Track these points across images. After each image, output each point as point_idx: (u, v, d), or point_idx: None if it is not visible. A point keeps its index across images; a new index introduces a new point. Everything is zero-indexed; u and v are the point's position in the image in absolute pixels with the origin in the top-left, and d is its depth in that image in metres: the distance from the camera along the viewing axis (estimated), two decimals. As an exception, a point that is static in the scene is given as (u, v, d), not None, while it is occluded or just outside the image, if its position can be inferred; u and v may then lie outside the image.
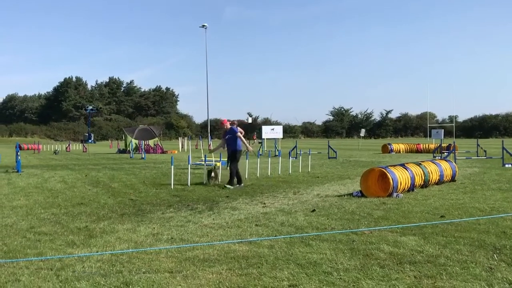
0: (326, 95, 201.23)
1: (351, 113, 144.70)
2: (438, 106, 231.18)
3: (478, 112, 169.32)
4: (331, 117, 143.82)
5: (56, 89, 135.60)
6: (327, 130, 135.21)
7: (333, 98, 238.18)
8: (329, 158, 30.44)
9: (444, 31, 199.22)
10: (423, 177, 13.80)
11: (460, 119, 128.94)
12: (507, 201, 11.54)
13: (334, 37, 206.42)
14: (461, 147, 41.32)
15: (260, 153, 24.56)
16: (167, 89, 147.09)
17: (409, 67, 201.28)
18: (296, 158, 26.40)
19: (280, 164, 20.00)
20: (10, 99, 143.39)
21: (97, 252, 7.03)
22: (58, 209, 10.91)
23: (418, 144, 44.88)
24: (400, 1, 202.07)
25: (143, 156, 34.15)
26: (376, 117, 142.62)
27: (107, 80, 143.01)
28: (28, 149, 53.39)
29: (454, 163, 17.11)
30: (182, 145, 51.07)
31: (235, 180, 14.87)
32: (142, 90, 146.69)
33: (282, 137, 40.91)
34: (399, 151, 41.08)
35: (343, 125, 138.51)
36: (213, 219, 9.56)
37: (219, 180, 15.58)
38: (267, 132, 38.77)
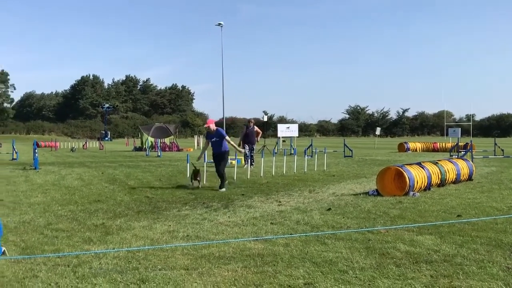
0: (342, 93, 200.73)
1: (367, 112, 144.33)
2: (455, 105, 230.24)
3: (496, 111, 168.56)
4: (347, 116, 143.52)
5: (73, 87, 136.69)
6: (343, 129, 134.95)
7: (349, 96, 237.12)
8: (344, 156, 30.34)
9: (460, 31, 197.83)
10: (439, 176, 13.71)
11: (478, 117, 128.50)
12: (525, 200, 11.45)
13: (348, 35, 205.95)
14: (478, 146, 40.97)
15: (275, 151, 24.53)
16: (183, 87, 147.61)
17: (425, 65, 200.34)
18: (311, 156, 26.31)
19: (296, 163, 19.96)
20: (28, 97, 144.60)
21: (114, 249, 7.08)
22: (75, 206, 10.99)
23: (435, 142, 44.59)
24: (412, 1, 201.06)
25: (159, 154, 34.27)
26: (393, 115, 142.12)
27: (124, 78, 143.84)
28: (45, 146, 53.74)
29: (471, 162, 16.97)
30: (198, 143, 51.16)
31: (226, 182, 14.07)
32: (158, 88, 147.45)
33: (297, 135, 40.76)
34: (416, 150, 40.83)
35: (359, 123, 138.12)
36: (229, 217, 9.58)
37: (200, 184, 14.43)
38: (283, 130, 38.68)
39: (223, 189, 13.47)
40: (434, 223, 8.58)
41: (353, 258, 6.47)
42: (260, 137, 24.75)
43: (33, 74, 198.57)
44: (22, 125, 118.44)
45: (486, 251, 6.76)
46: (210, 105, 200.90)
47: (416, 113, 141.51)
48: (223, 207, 10.66)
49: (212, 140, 14.11)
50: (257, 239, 7.50)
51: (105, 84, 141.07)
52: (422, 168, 13.20)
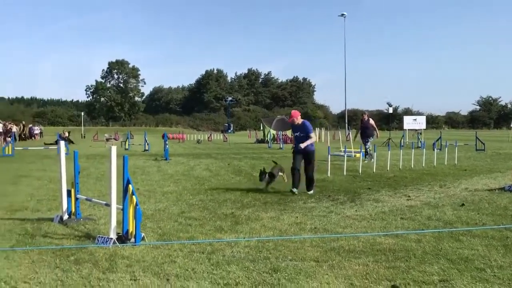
0: (471, 83, 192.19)
1: (499, 103, 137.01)
2: None
3: None
4: (478, 107, 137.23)
5: (198, 81, 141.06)
6: (473, 121, 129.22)
7: (480, 86, 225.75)
8: (476, 150, 28.96)
9: None
10: None
11: None
12: None
13: (480, 20, 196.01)
14: None
15: (402, 144, 23.93)
16: (304, 79, 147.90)
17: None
18: (440, 149, 25.46)
19: (424, 156, 19.36)
20: (156, 91, 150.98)
21: (244, 238, 7.25)
22: (205, 195, 11.37)
23: None
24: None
25: (281, 146, 34.64)
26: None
27: (246, 72, 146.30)
28: (173, 138, 55.85)
29: None
30: (319, 136, 51.14)
31: (297, 182, 11.83)
32: (279, 81, 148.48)
33: (425, 127, 39.49)
34: (554, 144, 38.24)
35: (490, 115, 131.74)
36: (356, 210, 9.49)
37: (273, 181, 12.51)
38: (409, 122, 37.66)
39: (311, 191, 11.70)
40: None
41: (491, 256, 6.20)
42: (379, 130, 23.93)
43: (161, 69, 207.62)
44: (152, 118, 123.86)
45: None
46: (331, 97, 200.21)
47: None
48: (349, 201, 10.58)
49: (296, 134, 12.07)
50: (387, 234, 7.39)
51: (228, 78, 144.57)
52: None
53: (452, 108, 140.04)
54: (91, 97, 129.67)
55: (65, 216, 8.38)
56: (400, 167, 17.62)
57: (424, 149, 20.38)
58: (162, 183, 13.55)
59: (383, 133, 55.57)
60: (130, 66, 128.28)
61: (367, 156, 20.66)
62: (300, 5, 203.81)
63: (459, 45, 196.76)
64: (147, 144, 30.93)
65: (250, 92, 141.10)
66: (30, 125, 61.38)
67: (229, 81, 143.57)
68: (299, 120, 12.03)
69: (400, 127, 48.05)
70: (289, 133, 43.77)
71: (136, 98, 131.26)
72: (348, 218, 8.71)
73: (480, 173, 16.16)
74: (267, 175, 11.73)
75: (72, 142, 42.69)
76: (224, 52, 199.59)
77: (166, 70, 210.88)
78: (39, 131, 59.41)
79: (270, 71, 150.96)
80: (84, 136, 63.51)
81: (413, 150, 20.06)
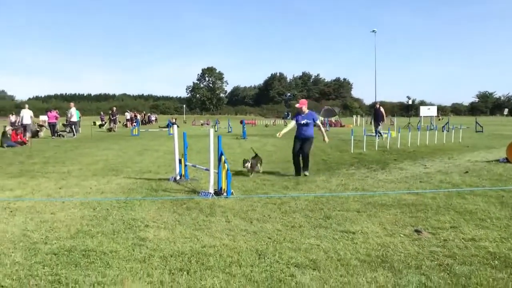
0: (471, 81, 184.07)
1: (494, 96, 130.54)
2: None
3: None
4: (477, 99, 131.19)
5: (265, 82, 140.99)
6: (473, 110, 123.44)
7: (478, 83, 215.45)
8: (476, 131, 27.70)
9: None
10: None
11: None
12: None
13: (475, 36, 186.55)
14: None
15: (419, 127, 23.23)
16: (344, 79, 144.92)
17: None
18: (448, 131, 24.53)
19: (436, 136, 18.75)
20: (235, 89, 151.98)
21: (304, 194, 7.33)
22: (274, 164, 11.47)
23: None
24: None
25: (327, 129, 34.22)
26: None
27: (301, 74, 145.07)
28: (248, 123, 56.02)
29: None
30: (356, 121, 50.11)
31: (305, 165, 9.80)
32: (326, 80, 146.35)
33: (436, 115, 38.07)
34: (538, 127, 36.11)
35: (487, 105, 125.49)
36: (386, 176, 9.36)
37: (256, 170, 9.97)
38: (424, 111, 36.42)
39: (307, 173, 9.61)
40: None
41: (490, 210, 6.03)
42: (387, 117, 23.00)
43: (240, 73, 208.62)
44: (232, 109, 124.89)
45: None
46: (366, 92, 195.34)
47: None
48: (380, 169, 10.42)
49: (302, 122, 9.89)
50: (410, 192, 7.29)
51: (287, 79, 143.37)
52: (547, 141, 11.72)
53: (456, 100, 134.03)
54: (190, 94, 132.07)
55: (178, 177, 8.68)
56: (418, 144, 17.12)
57: (436, 131, 19.71)
58: (242, 155, 13.64)
59: (404, 119, 53.90)
60: (217, 71, 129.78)
61: (378, 136, 19.60)
62: (340, 22, 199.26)
63: (464, 48, 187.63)
64: (230, 127, 31.29)
65: (303, 89, 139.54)
66: (149, 114, 63.14)
67: (288, 81, 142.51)
68: (305, 109, 9.98)
69: (417, 115, 46.45)
70: (333, 119, 43.25)
71: (221, 95, 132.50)
72: (380, 181, 8.61)
73: (479, 148, 15.51)
74: (248, 163, 9.49)
75: (178, 126, 43.58)
76: (284, 58, 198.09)
77: (242, 73, 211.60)
78: (154, 118, 60.89)
79: (319, 73, 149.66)
80: (185, 122, 64.68)
81: (428, 131, 19.40)
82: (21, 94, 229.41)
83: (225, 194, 7.00)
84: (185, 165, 8.79)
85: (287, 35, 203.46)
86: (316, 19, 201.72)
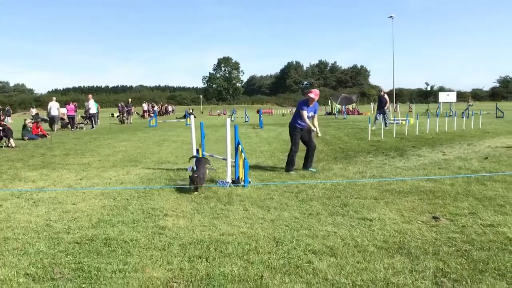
0: (493, 65, 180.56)
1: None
2: None
3: None
4: (498, 84, 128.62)
5: (282, 70, 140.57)
6: (494, 95, 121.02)
7: (499, 67, 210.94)
8: (496, 117, 27.22)
9: None
10: None
11: None
12: None
13: (495, 19, 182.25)
14: None
15: (438, 113, 22.90)
16: (361, 66, 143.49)
17: None
18: (468, 117, 24.16)
19: (455, 122, 18.50)
20: (252, 78, 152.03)
21: (321, 181, 7.35)
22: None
23: None
24: None
25: (344, 117, 34.01)
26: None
27: (317, 62, 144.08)
28: (265, 112, 56.05)
29: None
30: (373, 108, 49.69)
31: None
32: (342, 68, 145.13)
33: (455, 100, 37.41)
34: (562, 111, 35.27)
35: (508, 90, 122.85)
36: (404, 163, 9.30)
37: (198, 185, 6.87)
38: (443, 96, 35.79)
39: (314, 169, 8.66)
40: None
41: (509, 196, 5.97)
42: (389, 104, 22.07)
43: (256, 62, 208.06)
44: (249, 98, 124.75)
45: None
46: (382, 79, 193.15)
47: None
48: (398, 156, 10.36)
49: (310, 114, 8.55)
50: (428, 179, 7.25)
51: (304, 67, 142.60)
52: None
53: (476, 86, 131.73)
54: (206, 85, 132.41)
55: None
56: (437, 131, 16.92)
57: (456, 117, 19.43)
58: (259, 144, 13.78)
59: (423, 106, 53.14)
60: (233, 61, 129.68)
61: (386, 124, 19.15)
62: (357, 9, 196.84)
63: (484, 31, 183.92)
64: (247, 117, 31.31)
65: (320, 77, 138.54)
66: (166, 105, 63.49)
67: (305, 69, 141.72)
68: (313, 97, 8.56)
69: (436, 101, 45.73)
70: (350, 107, 42.94)
71: (238, 84, 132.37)
72: (398, 168, 8.57)
73: (500, 134, 15.26)
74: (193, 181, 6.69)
75: (195, 117, 43.76)
76: (301, 47, 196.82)
77: (258, 62, 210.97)
78: (172, 109, 61.24)
79: (336, 61, 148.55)
80: (202, 112, 64.94)
81: (446, 118, 19.15)
82: (40, 87, 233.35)
83: (242, 183, 7.06)
84: (203, 155, 8.86)
85: (303, 23, 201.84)
86: (331, 5, 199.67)
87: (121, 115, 32.85)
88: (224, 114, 49.67)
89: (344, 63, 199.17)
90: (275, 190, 6.73)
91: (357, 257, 3.91)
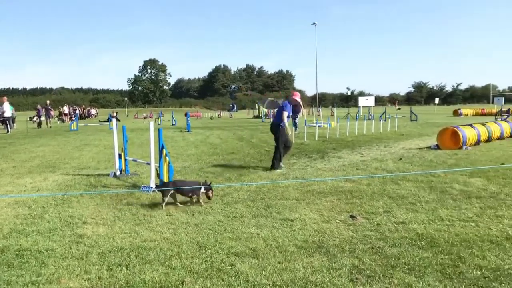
0: (408, 72, 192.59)
1: (428, 86, 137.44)
2: (499, 79, 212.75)
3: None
4: (412, 89, 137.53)
5: (210, 74, 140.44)
6: (409, 99, 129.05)
7: (415, 73, 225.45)
8: (411, 120, 29.05)
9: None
10: (487, 134, 12.95)
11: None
12: (558, 152, 10.58)
13: (412, 29, 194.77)
14: (519, 111, 37.74)
15: (357, 117, 23.94)
16: (287, 71, 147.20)
17: (476, 47, 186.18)
18: (385, 120, 25.52)
19: (373, 125, 19.48)
20: (179, 81, 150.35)
21: (246, 184, 7.41)
22: (218, 156, 11.47)
23: (483, 109, 41.68)
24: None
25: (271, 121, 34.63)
26: (448, 88, 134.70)
27: (245, 66, 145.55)
28: (193, 116, 55.50)
29: (513, 123, 15.80)
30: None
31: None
32: (269, 72, 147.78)
33: (374, 105, 39.33)
34: (467, 115, 38.36)
35: (421, 95, 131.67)
36: (325, 164, 9.62)
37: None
38: (363, 101, 37.43)
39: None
40: (482, 168, 8.20)
41: (420, 194, 6.37)
42: (305, 109, 21.93)
43: (183, 65, 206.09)
44: (176, 101, 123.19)
45: (526, 190, 6.41)
46: (307, 83, 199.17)
47: (468, 86, 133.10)
48: (320, 158, 10.71)
49: (290, 114, 9.29)
50: (347, 180, 7.56)
51: (232, 71, 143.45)
52: (473, 128, 12.52)
53: (393, 91, 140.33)
54: (131, 87, 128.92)
55: (118, 172, 8.50)
56: (356, 133, 17.73)
57: (373, 120, 20.45)
58: (186, 148, 13.65)
59: (344, 110, 55.39)
60: (160, 63, 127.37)
61: (297, 129, 18.87)
62: (284, 15, 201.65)
63: (401, 40, 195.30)
64: (174, 120, 30.90)
65: (248, 81, 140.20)
66: (88, 108, 60.97)
67: (232, 73, 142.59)
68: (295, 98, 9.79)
69: (356, 105, 47.84)
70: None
71: (165, 87, 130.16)
72: (319, 170, 8.85)
73: (413, 136, 16.29)
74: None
75: (119, 120, 42.45)
76: (228, 51, 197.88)
77: (186, 65, 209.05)
78: (95, 112, 58.89)
79: (262, 66, 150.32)
80: (127, 115, 63.11)
81: (365, 121, 20.10)
82: None
83: (167, 187, 6.93)
84: (125, 160, 8.61)
85: (230, 27, 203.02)
86: (258, 11, 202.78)
87: (38, 119, 31.07)
88: (151, 117, 48.55)
89: (271, 68, 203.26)
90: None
91: (278, 258, 3.99)
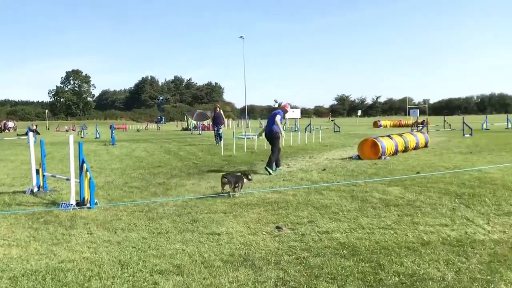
0: (332, 85, 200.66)
1: (350, 99, 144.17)
2: (416, 92, 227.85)
3: (446, 96, 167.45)
4: (336, 102, 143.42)
5: (136, 85, 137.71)
6: (332, 111, 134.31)
7: (337, 87, 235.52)
8: (334, 132, 30.21)
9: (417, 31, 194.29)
10: (404, 145, 13.72)
11: (432, 101, 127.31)
12: (465, 161, 11.42)
13: (330, 47, 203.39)
14: (432, 122, 40.49)
15: (284, 129, 24.44)
16: (216, 83, 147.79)
17: (392, 63, 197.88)
18: (310, 132, 26.30)
19: (299, 137, 19.97)
20: (104, 92, 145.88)
21: (173, 198, 7.26)
22: (143, 170, 11.16)
23: (400, 120, 44.31)
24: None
25: (200, 132, 34.39)
26: (369, 101, 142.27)
27: (173, 78, 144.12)
28: (118, 128, 53.90)
29: (427, 134, 16.90)
30: (228, 124, 51.18)
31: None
32: (198, 84, 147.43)
33: (300, 117, 40.43)
34: (386, 126, 40.62)
35: (344, 107, 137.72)
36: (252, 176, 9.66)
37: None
38: (289, 113, 38.21)
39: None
40: (400, 177, 8.65)
41: (342, 203, 6.58)
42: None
43: (108, 76, 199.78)
44: (101, 113, 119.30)
45: (438, 197, 6.83)
46: (236, 96, 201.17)
47: (386, 99, 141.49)
48: (248, 170, 10.75)
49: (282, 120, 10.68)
50: (273, 191, 7.64)
51: (160, 82, 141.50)
52: (391, 139, 13.21)
53: (318, 103, 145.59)
54: (53, 98, 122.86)
55: (35, 189, 7.98)
56: (283, 145, 18.00)
57: (299, 132, 20.97)
58: (110, 162, 13.17)
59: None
60: (84, 74, 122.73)
61: (217, 139, 19.29)
62: (212, 28, 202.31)
63: (326, 55, 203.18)
64: (98, 133, 29.78)
65: (176, 93, 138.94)
66: (4, 121, 57.12)
67: (160, 84, 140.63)
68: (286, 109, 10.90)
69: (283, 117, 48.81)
70: (205, 122, 43.56)
71: (89, 99, 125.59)
72: (247, 182, 8.85)
73: (336, 147, 16.90)
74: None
75: (38, 133, 40.18)
76: (156, 62, 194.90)
77: (111, 76, 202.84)
78: (13, 125, 55.24)
79: (191, 77, 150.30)
80: (48, 128, 59.99)
81: (291, 133, 20.56)
82: None
83: (88, 204, 6.62)
84: (44, 176, 8.12)
85: (158, 38, 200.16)
86: (187, 22, 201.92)
87: None
88: (74, 130, 46.50)
89: (200, 80, 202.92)
90: (124, 210, 6.44)
91: (204, 273, 3.91)
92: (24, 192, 8.04)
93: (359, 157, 12.37)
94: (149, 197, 7.55)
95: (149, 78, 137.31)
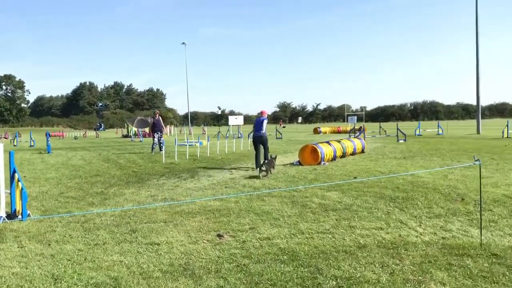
0: (273, 93, 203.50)
1: (291, 106, 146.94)
2: (354, 99, 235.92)
3: (381, 103, 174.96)
4: (278, 109, 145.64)
5: (74, 91, 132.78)
6: (275, 118, 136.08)
7: (279, 95, 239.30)
8: (276, 138, 30.64)
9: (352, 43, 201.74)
10: (342, 150, 14.12)
11: (369, 108, 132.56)
12: (399, 166, 11.93)
13: (257, 52, 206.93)
14: (369, 128, 42.10)
15: (227, 135, 24.45)
16: (157, 89, 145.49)
17: (333, 71, 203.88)
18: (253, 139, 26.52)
19: (242, 143, 20.03)
20: (40, 99, 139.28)
21: (111, 209, 7.03)
22: (80, 179, 10.75)
23: (339, 127, 45.72)
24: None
25: (141, 140, 33.64)
26: (309, 108, 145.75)
27: (112, 84, 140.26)
28: (55, 136, 51.56)
29: (363, 140, 17.50)
30: (170, 131, 50.45)
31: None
32: (139, 90, 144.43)
33: (243, 123, 40.63)
34: (326, 132, 41.75)
35: (286, 114, 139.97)
36: (194, 184, 9.58)
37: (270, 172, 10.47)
38: (232, 120, 38.34)
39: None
40: (338, 182, 8.88)
41: (283, 209, 6.65)
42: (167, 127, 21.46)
43: (44, 81, 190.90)
44: (36, 120, 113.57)
45: (373, 201, 7.08)
46: (178, 102, 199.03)
47: (326, 106, 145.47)
48: (190, 177, 10.63)
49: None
50: (215, 199, 7.59)
51: (99, 88, 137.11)
52: (330, 145, 13.56)
53: (261, 109, 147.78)
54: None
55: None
56: (226, 151, 18.07)
57: (242, 139, 21.05)
58: (45, 171, 12.55)
59: (215, 128, 56.28)
60: (17, 79, 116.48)
61: (154, 146, 18.83)
62: (154, 33, 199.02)
63: (268, 61, 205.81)
64: (33, 141, 28.32)
65: (116, 99, 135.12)
66: None
67: (99, 90, 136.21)
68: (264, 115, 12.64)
69: (227, 124, 48.95)
70: (147, 129, 42.67)
71: (23, 105, 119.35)
72: (189, 190, 8.77)
73: (278, 153, 17.01)
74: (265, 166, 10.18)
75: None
76: (95, 67, 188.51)
77: (47, 82, 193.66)
78: None
79: (132, 83, 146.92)
80: (-23, 136, 56.42)
81: (234, 139, 20.59)
82: None
83: (20, 216, 6.27)
84: None
85: (96, 41, 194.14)
86: (127, 27, 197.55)
87: None
88: (6, 138, 43.90)
89: (141, 86, 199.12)
90: (59, 222, 6.16)
91: (142, 285, 3.81)
92: None
93: (299, 163, 12.59)
94: (86, 207, 7.28)
95: (88, 83, 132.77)
